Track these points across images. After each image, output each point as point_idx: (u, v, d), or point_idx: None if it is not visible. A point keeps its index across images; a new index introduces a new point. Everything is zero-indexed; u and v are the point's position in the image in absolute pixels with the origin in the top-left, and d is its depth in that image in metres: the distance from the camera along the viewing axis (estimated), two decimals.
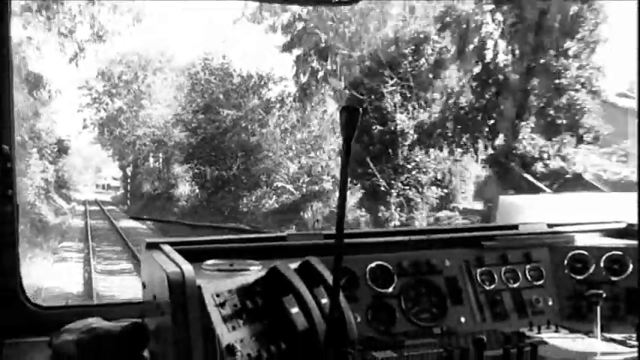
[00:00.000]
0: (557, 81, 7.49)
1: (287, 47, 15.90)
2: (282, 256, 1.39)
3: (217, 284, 1.20)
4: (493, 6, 7.32)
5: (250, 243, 1.61)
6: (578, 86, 7.62)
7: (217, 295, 1.18)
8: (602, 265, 1.68)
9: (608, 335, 1.48)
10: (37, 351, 1.53)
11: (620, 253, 1.69)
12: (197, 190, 22.07)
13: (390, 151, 8.23)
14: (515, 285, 1.61)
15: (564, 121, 7.37)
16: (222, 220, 16.75)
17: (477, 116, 7.53)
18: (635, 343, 1.42)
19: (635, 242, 1.69)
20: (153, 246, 1.44)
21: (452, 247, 1.64)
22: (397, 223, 8.26)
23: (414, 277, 1.52)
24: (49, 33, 11.78)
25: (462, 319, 1.51)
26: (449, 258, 1.58)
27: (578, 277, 1.66)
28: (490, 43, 7.09)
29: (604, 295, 1.50)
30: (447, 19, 8.06)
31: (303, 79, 13.57)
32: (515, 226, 1.80)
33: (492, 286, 1.58)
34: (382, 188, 8.44)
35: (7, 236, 1.56)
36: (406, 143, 8.24)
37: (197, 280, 1.16)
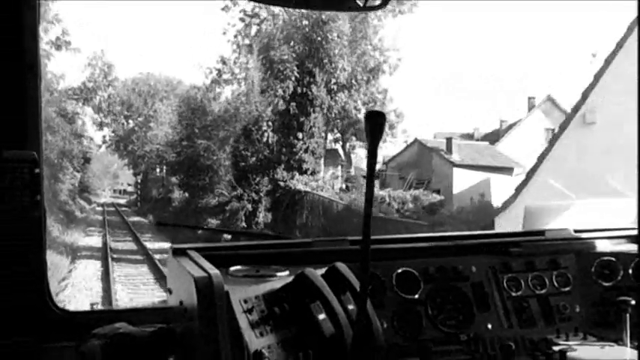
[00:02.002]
0: (293, 149, 16.75)
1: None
2: (307, 262, 1.42)
3: (245, 290, 1.25)
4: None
5: (275, 249, 1.67)
6: (302, 151, 16.89)
7: (245, 301, 1.22)
8: (630, 271, 1.67)
9: (637, 343, 1.47)
10: (65, 355, 1.57)
11: None
12: (186, 195, 32.44)
13: (249, 175, 18.35)
14: (542, 291, 1.62)
15: (295, 165, 16.65)
16: (192, 214, 27.09)
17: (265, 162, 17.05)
18: None
19: None
20: (179, 252, 1.49)
21: (478, 253, 1.67)
22: (250, 209, 18.50)
23: (440, 283, 1.55)
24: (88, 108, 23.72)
25: (489, 326, 1.52)
26: (475, 264, 1.60)
27: (606, 284, 1.67)
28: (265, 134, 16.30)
29: (633, 302, 1.49)
30: None
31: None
32: (542, 232, 1.84)
33: (519, 293, 1.60)
34: (241, 193, 18.71)
35: (35, 241, 1.57)
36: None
37: (225, 286, 1.20)
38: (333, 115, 22.37)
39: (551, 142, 9.97)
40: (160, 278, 13.69)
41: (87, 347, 1.47)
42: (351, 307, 1.28)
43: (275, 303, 1.26)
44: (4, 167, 1.48)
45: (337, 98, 18.09)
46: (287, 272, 1.40)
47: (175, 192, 35.20)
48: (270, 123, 17.41)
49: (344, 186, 19.91)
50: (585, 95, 9.79)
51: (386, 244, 1.69)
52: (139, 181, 49.73)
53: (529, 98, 28.71)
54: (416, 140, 24.74)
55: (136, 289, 12.87)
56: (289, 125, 16.97)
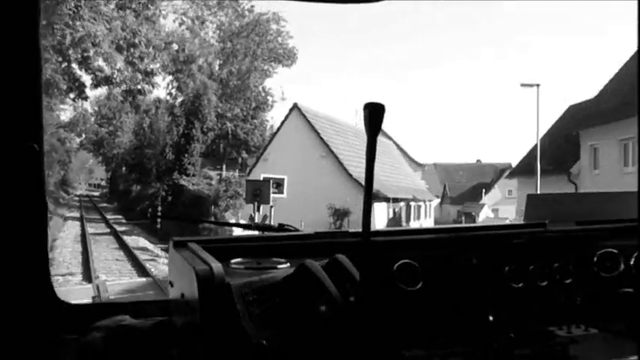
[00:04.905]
0: (182, 162, 34.54)
1: None
2: (308, 254, 1.46)
3: (246, 282, 1.30)
4: None
5: (276, 241, 1.73)
6: (187, 164, 34.29)
7: (246, 293, 1.27)
8: (632, 263, 1.72)
9: (637, 335, 1.50)
10: (66, 348, 1.62)
11: None
12: (139, 188, 49.62)
13: (162, 175, 35.72)
14: (544, 283, 1.66)
15: (183, 171, 33.97)
16: (140, 200, 44.37)
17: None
18: None
19: None
20: (180, 244, 1.56)
21: (479, 245, 1.73)
22: (163, 195, 35.51)
23: (441, 275, 1.59)
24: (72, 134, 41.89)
25: (490, 318, 1.56)
26: (476, 256, 1.65)
27: (608, 276, 1.71)
28: (169, 154, 33.83)
29: (634, 294, 1.57)
30: None
31: None
32: (543, 224, 1.91)
33: (520, 285, 1.63)
34: (159, 186, 35.89)
35: (37, 234, 1.62)
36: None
37: (226, 278, 1.26)
38: (232, 137, 40.68)
39: (251, 170, 27.39)
40: (107, 226, 31.41)
41: (88, 340, 1.52)
42: (352, 298, 1.30)
43: (276, 294, 1.30)
44: (8, 159, 1.51)
45: (208, 135, 36.06)
46: (288, 264, 1.47)
47: (134, 186, 52.29)
48: (171, 147, 35.18)
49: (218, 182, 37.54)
50: (265, 147, 27.59)
51: (386, 236, 1.74)
52: (109, 177, 66.80)
53: None
54: None
55: (95, 229, 30.27)
56: (180, 150, 34.40)
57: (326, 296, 1.28)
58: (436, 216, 53.51)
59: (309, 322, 1.27)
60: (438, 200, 58.57)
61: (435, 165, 64.55)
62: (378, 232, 1.76)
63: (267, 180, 19.16)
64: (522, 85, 21.87)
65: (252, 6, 44.35)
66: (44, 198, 1.61)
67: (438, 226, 2.03)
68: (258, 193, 18.65)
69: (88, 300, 11.49)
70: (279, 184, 19.90)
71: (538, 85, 21.85)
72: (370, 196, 1.23)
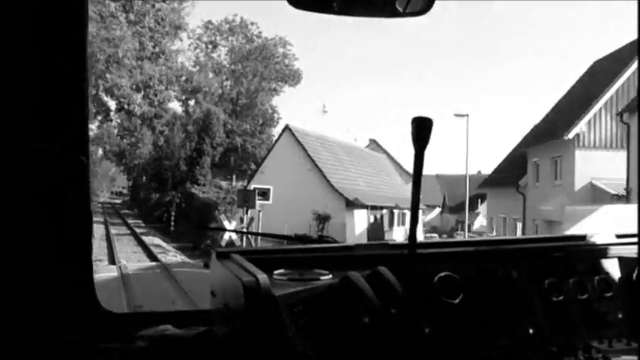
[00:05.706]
0: (194, 173, 39.66)
1: None
2: (349, 267, 1.48)
3: (291, 293, 1.33)
4: None
5: (316, 253, 1.77)
6: (198, 174, 39.43)
7: (291, 304, 1.30)
8: None
9: None
10: (108, 357, 1.65)
11: None
12: (158, 196, 55.15)
13: (176, 185, 40.78)
14: (584, 297, 1.65)
15: (195, 181, 39.40)
16: (158, 207, 49.80)
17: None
18: None
19: None
20: (223, 255, 1.60)
21: (519, 257, 1.73)
22: (177, 202, 40.60)
23: (481, 288, 1.59)
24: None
25: (530, 331, 1.56)
26: (516, 269, 1.65)
27: None
28: (182, 166, 39.01)
29: None
30: None
31: None
32: (583, 237, 1.91)
33: (561, 298, 1.63)
34: (173, 194, 41.09)
35: (82, 244, 1.66)
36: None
37: (271, 289, 1.29)
38: (242, 150, 46.20)
39: (249, 181, 32.50)
40: (127, 229, 36.80)
41: (132, 349, 1.55)
42: (393, 310, 1.33)
43: (320, 306, 1.33)
44: (58, 171, 1.56)
45: (217, 150, 41.46)
46: (330, 276, 1.48)
47: (153, 194, 57.79)
48: (184, 160, 40.61)
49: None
50: (262, 162, 32.71)
51: (427, 248, 1.75)
52: (130, 185, 72.36)
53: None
54: None
55: (118, 230, 35.61)
56: (192, 162, 39.79)
57: (368, 308, 1.30)
58: (436, 224, 58.21)
59: (352, 333, 1.29)
60: (438, 210, 63.19)
61: (437, 176, 68.93)
62: (419, 245, 1.68)
63: (253, 190, 24.17)
64: (455, 115, 26.60)
65: (260, 32, 49.98)
66: (89, 208, 1.64)
67: (477, 239, 2.11)
68: (247, 199, 23.57)
69: (116, 284, 16.01)
70: (264, 193, 24.85)
71: (467, 115, 26.56)
72: (417, 212, 1.31)
